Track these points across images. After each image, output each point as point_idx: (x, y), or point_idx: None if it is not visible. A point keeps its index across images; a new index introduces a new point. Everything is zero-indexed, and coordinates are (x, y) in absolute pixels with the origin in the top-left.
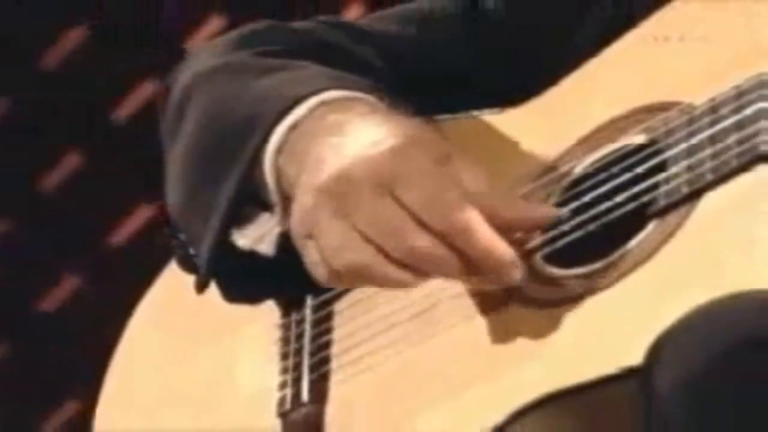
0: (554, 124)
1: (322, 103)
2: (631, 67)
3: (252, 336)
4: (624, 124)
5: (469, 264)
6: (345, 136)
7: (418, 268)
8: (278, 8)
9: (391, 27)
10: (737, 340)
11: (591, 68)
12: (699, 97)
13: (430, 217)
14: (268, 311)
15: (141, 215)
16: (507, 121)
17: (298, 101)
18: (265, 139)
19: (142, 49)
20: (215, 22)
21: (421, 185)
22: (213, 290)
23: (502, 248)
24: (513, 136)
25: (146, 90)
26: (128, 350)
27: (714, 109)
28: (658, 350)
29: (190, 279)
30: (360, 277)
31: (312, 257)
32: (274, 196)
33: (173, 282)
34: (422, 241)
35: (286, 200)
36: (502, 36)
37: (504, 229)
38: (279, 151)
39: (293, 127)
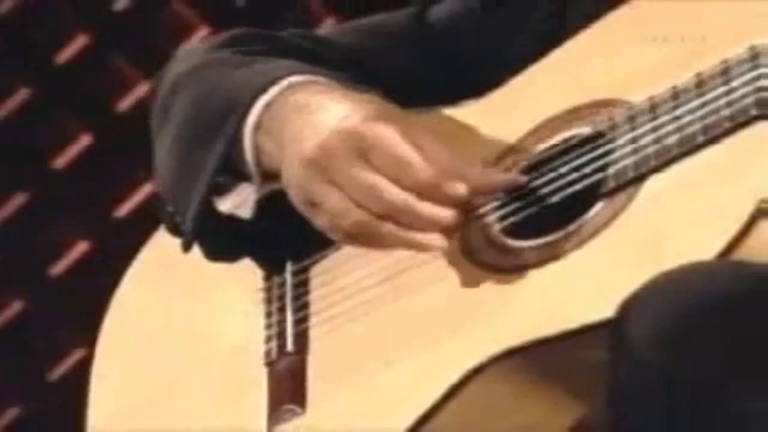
0: (508, 115)
1: (289, 86)
2: (579, 66)
3: (236, 296)
4: (572, 117)
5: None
6: (313, 113)
7: (401, 222)
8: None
9: (351, 37)
10: (708, 297)
11: (543, 66)
12: (639, 95)
13: (401, 176)
14: (251, 275)
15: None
16: (464, 112)
17: (269, 84)
18: (243, 118)
19: None
20: None
21: (390, 150)
22: (198, 255)
23: (463, 190)
24: (470, 125)
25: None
26: (122, 304)
27: (654, 106)
28: (630, 307)
29: (176, 245)
30: (368, 235)
31: (322, 224)
32: (252, 168)
33: (161, 247)
34: (396, 196)
35: (264, 172)
36: (446, 45)
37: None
38: (257, 128)
39: (267, 106)
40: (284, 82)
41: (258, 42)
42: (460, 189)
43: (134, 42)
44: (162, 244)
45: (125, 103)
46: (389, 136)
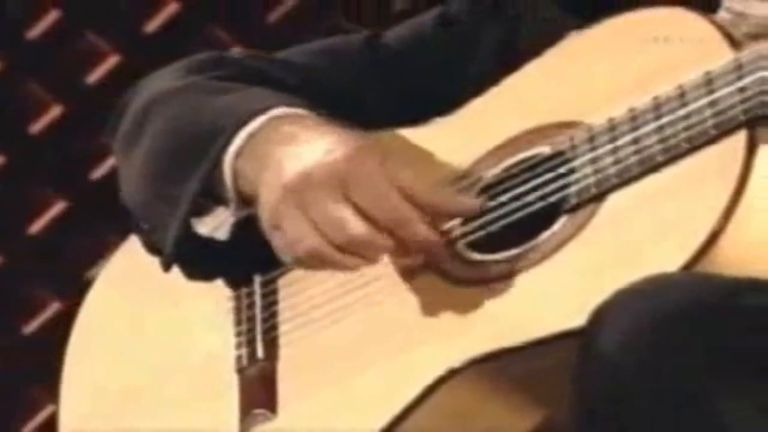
0: (469, 136)
1: (274, 117)
2: (539, 89)
3: (206, 305)
4: (531, 138)
5: (403, 247)
6: (298, 145)
7: (358, 253)
8: None
9: (307, 59)
10: (676, 307)
11: (503, 89)
12: (598, 117)
13: (378, 212)
14: (219, 284)
15: None
16: (427, 132)
17: (254, 114)
18: (226, 145)
19: None
20: None
21: (370, 186)
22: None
23: (434, 236)
24: (432, 146)
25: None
26: (93, 307)
27: (613, 127)
28: (602, 317)
29: (146, 254)
30: (318, 261)
31: (278, 244)
32: (230, 193)
33: (133, 252)
34: (362, 230)
35: (241, 196)
36: (398, 67)
37: (436, 216)
38: (238, 155)
39: (250, 135)
40: (268, 114)
41: (225, 67)
42: (424, 232)
43: (47, 69)
44: (134, 249)
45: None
46: (369, 172)
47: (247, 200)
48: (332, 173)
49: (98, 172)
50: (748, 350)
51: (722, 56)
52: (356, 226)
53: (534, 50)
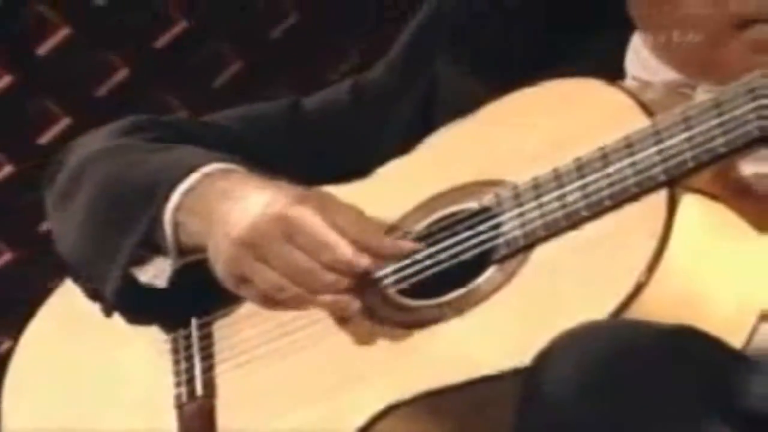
0: (395, 192)
1: (207, 174)
2: (462, 149)
3: (143, 345)
4: (456, 195)
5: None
6: (238, 199)
7: (320, 293)
8: None
9: (233, 123)
10: (614, 351)
11: (427, 149)
12: (520, 177)
13: (321, 255)
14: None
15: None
16: (351, 190)
17: (190, 170)
18: (165, 200)
19: None
20: None
21: (310, 232)
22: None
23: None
24: (358, 201)
25: None
26: (31, 345)
27: (537, 186)
28: (548, 357)
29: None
30: (298, 303)
31: (252, 296)
32: (170, 245)
33: (70, 291)
34: (317, 273)
35: (180, 247)
36: (313, 133)
37: (376, 258)
38: (177, 208)
39: (189, 190)
40: (204, 170)
41: (157, 129)
42: (365, 262)
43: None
44: (71, 288)
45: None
46: (309, 219)
47: (185, 251)
48: (276, 222)
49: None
50: (681, 391)
51: (637, 121)
52: (312, 267)
53: (450, 116)
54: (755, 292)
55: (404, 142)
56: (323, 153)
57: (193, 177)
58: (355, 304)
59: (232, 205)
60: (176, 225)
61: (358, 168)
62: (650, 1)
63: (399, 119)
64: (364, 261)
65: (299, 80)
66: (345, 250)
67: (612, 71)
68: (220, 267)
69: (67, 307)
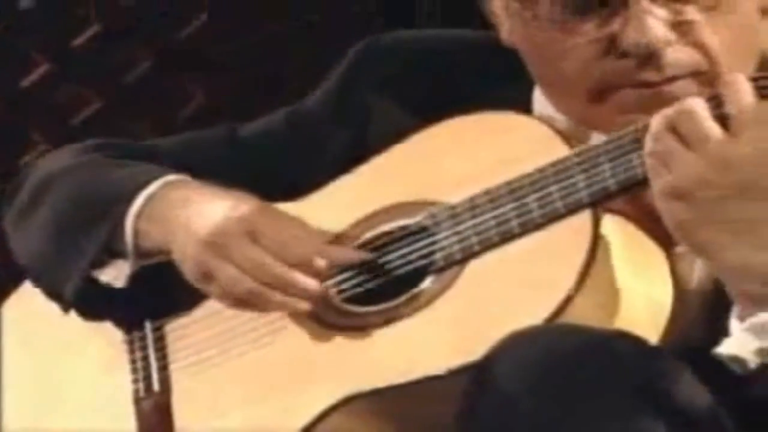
0: (335, 209)
1: (168, 182)
2: (397, 172)
3: (100, 349)
4: (393, 213)
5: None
6: (199, 204)
7: (282, 289)
8: None
9: (177, 146)
10: (560, 351)
11: (363, 171)
12: (454, 197)
13: (283, 254)
14: (112, 330)
15: None
16: (293, 207)
17: (149, 181)
18: (127, 207)
19: None
20: None
21: (274, 232)
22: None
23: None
24: (302, 217)
25: None
26: None
27: (473, 206)
28: (497, 357)
29: (38, 304)
30: (255, 299)
31: (215, 291)
32: (129, 248)
33: (28, 294)
34: (280, 269)
35: (139, 251)
36: (249, 158)
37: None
38: (138, 216)
39: (149, 198)
40: (163, 180)
41: (111, 150)
42: (322, 263)
43: None
44: (29, 291)
45: None
46: (273, 222)
47: (144, 254)
48: (242, 224)
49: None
50: (617, 389)
51: (559, 150)
52: (277, 265)
53: (384, 143)
54: (664, 299)
55: (339, 169)
56: (260, 177)
57: (154, 186)
58: (304, 304)
59: (195, 209)
60: (137, 231)
61: (295, 192)
62: (534, 62)
63: (333, 147)
64: (321, 262)
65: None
66: (306, 249)
67: (523, 109)
68: (187, 267)
69: (26, 308)
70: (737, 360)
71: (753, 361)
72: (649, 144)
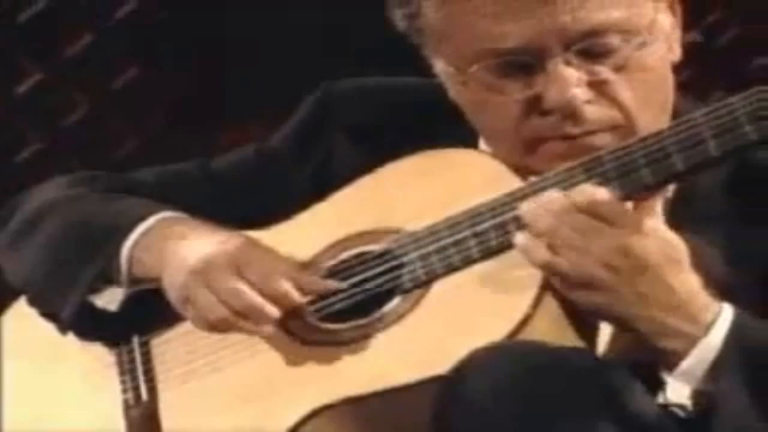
0: (305, 237)
1: (162, 218)
2: (361, 203)
3: (93, 359)
4: (356, 240)
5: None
6: (191, 239)
7: (254, 319)
8: None
9: (156, 179)
10: (527, 364)
11: (330, 203)
12: (415, 225)
13: (265, 286)
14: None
15: None
16: (266, 234)
17: (146, 215)
18: (123, 239)
19: None
20: None
21: (259, 267)
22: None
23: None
24: (272, 244)
25: None
26: None
27: (435, 232)
28: (467, 369)
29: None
30: (226, 325)
31: (191, 315)
32: (124, 276)
33: (23, 314)
34: (256, 299)
35: (132, 278)
36: (220, 189)
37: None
38: (133, 247)
39: (145, 232)
40: (161, 215)
41: (98, 182)
42: (298, 296)
43: None
44: (23, 311)
45: None
46: (258, 256)
47: (136, 281)
48: (229, 257)
49: None
50: (579, 398)
51: (512, 182)
52: (252, 295)
53: (346, 178)
54: None
55: (305, 203)
56: (233, 208)
57: (152, 219)
58: (270, 329)
59: (185, 243)
60: (131, 258)
61: (266, 221)
62: (474, 118)
63: (298, 184)
64: (297, 295)
65: None
66: (286, 285)
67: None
68: (172, 291)
69: (22, 322)
70: (678, 406)
71: (690, 405)
72: (543, 222)
